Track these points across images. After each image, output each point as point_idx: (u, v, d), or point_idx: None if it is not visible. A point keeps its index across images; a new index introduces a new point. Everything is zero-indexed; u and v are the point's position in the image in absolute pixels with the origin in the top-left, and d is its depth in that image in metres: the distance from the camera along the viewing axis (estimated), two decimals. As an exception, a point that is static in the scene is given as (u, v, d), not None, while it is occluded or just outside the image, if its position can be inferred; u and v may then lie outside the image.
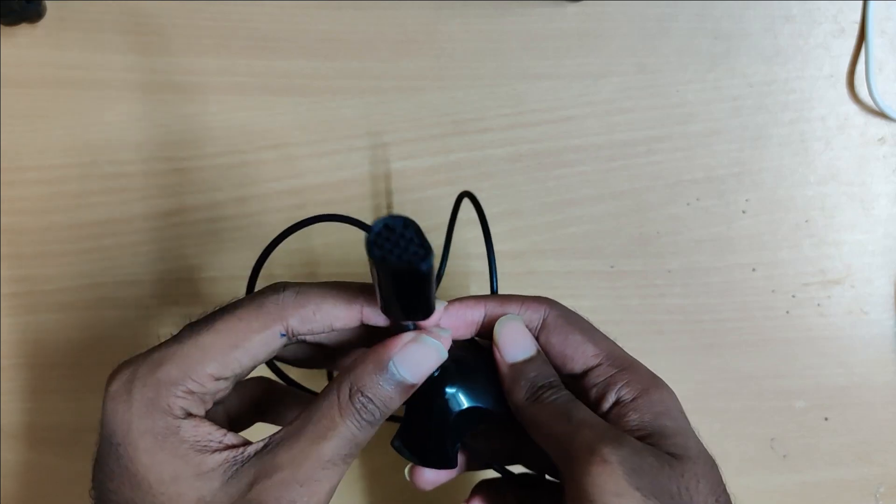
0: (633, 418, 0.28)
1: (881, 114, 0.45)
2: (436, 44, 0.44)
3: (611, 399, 0.29)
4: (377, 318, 0.28)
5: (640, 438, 0.27)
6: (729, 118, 0.45)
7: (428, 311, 0.26)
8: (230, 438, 0.26)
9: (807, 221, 0.46)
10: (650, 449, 0.26)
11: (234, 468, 0.25)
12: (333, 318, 0.28)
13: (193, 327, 0.27)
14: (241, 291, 0.44)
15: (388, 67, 0.44)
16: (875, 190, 0.46)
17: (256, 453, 0.26)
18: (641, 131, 0.45)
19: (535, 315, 0.30)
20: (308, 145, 0.44)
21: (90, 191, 0.44)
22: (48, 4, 0.43)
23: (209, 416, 0.27)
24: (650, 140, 0.45)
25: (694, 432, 0.28)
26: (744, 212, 0.46)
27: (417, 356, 0.27)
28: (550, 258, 0.45)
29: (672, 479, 0.26)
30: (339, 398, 0.26)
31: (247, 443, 0.26)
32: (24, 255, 0.44)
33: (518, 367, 0.29)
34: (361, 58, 0.44)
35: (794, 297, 0.46)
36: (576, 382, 0.30)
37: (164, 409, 0.25)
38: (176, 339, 0.27)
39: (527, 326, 0.30)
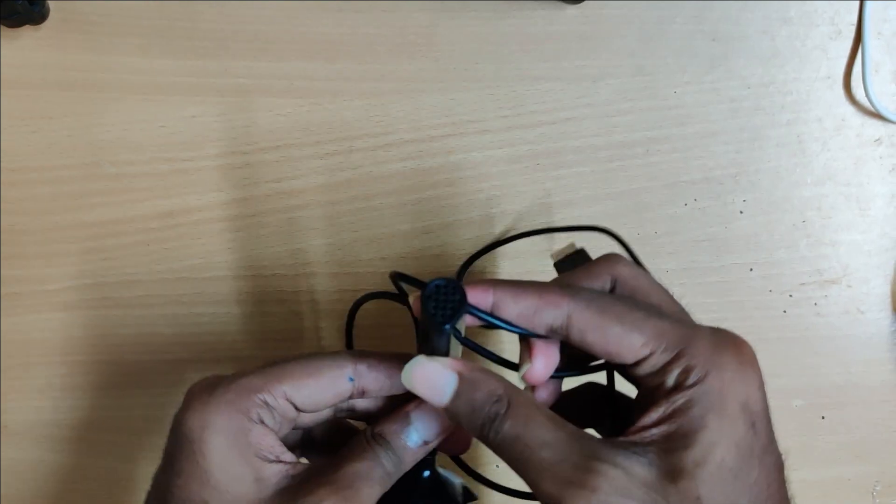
0: (687, 414, 0.26)
1: (877, 115, 0.46)
2: (435, 46, 0.45)
3: (669, 383, 0.27)
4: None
5: (673, 437, 0.26)
6: (726, 120, 0.46)
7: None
8: (287, 456, 0.29)
9: (804, 222, 0.46)
10: (637, 477, 0.25)
11: (286, 481, 0.28)
12: (391, 372, 0.31)
13: (277, 360, 0.30)
14: (244, 291, 0.45)
15: (388, 69, 0.45)
16: (871, 190, 0.46)
17: (304, 471, 0.29)
18: (639, 133, 0.45)
19: (558, 313, 0.28)
20: (308, 146, 0.44)
21: (92, 191, 0.44)
22: (51, 6, 0.43)
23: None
24: (648, 141, 0.45)
25: (737, 430, 0.26)
26: (741, 212, 0.46)
27: (426, 418, 0.30)
28: (549, 259, 0.45)
29: None
30: (366, 436, 0.30)
31: (297, 462, 0.29)
32: (25, 255, 0.44)
33: (451, 409, 0.28)
34: (362, 60, 0.45)
35: (791, 296, 0.46)
36: (630, 369, 0.28)
37: (242, 410, 0.28)
38: (258, 365, 0.30)
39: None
